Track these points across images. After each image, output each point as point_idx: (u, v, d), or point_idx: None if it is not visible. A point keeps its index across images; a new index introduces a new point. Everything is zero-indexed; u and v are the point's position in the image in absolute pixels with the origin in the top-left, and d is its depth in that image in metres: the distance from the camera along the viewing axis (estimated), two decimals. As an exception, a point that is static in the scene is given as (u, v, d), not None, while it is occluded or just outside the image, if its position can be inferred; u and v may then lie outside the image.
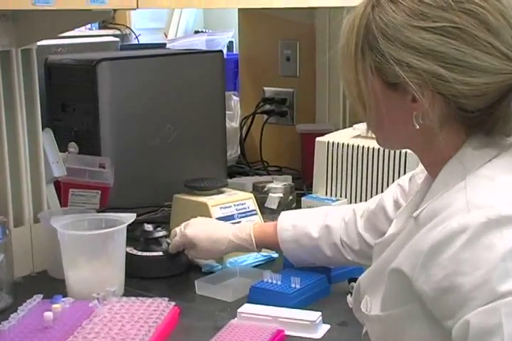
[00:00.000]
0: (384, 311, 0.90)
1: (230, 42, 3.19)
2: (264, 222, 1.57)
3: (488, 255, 0.77)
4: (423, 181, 0.99)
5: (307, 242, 1.32)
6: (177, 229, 1.41)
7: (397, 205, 1.22)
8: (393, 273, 0.87)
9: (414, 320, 0.85)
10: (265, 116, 2.30)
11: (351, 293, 1.03)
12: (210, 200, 1.53)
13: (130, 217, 1.36)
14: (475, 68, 0.84)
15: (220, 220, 1.49)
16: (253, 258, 1.50)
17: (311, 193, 1.77)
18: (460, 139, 0.89)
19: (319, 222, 1.33)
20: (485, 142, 0.88)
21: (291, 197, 1.79)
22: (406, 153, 1.59)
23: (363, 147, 1.66)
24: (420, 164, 1.09)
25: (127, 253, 1.40)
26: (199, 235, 1.38)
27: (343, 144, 1.71)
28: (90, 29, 3.30)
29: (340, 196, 1.71)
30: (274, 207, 1.76)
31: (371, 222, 1.27)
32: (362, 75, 0.89)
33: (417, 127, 0.88)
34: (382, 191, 1.65)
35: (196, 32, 3.62)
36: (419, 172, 1.11)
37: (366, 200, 1.66)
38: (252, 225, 1.40)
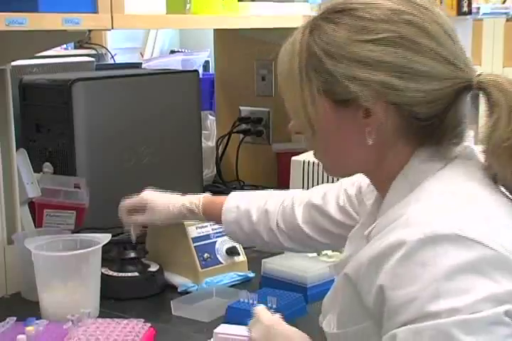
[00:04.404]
0: (340, 329, 0.91)
1: (206, 61, 3.20)
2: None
3: (422, 273, 0.78)
4: (374, 201, 1.00)
5: (246, 225, 1.31)
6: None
7: (341, 209, 1.22)
8: (343, 278, 0.89)
9: (370, 338, 0.86)
10: (241, 136, 2.31)
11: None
12: (186, 220, 1.53)
13: (105, 238, 1.35)
14: (424, 74, 0.86)
15: (196, 240, 1.49)
16: (229, 277, 1.50)
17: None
18: (408, 153, 0.90)
19: (260, 205, 1.31)
20: (431, 154, 0.89)
21: (267, 217, 1.79)
22: (381, 171, 1.60)
23: (339, 166, 1.67)
24: (367, 185, 1.10)
25: (102, 274, 1.39)
26: (153, 194, 1.42)
27: (318, 163, 1.71)
28: (66, 49, 3.30)
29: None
30: (251, 226, 1.75)
31: (311, 215, 1.26)
32: (309, 99, 0.89)
33: (370, 143, 0.88)
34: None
35: (172, 52, 3.63)
36: (367, 193, 1.10)
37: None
38: (203, 196, 1.39)
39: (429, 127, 0.88)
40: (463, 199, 0.85)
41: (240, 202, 1.33)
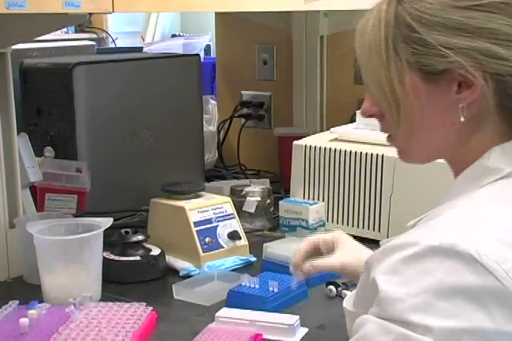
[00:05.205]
0: (355, 309, 0.90)
1: (207, 45, 3.19)
2: (242, 225, 1.57)
3: (419, 279, 0.73)
4: None
5: None
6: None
7: None
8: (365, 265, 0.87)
9: None
10: (243, 120, 2.30)
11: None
12: (188, 204, 1.53)
13: (107, 222, 1.35)
14: None
15: (198, 225, 1.49)
16: (231, 262, 1.50)
17: (288, 197, 1.77)
18: (490, 143, 0.84)
19: None
20: (508, 155, 0.83)
21: (268, 201, 1.79)
22: (383, 156, 1.60)
23: (340, 150, 1.67)
24: None
25: (104, 258, 1.39)
26: (344, 235, 1.16)
27: (320, 147, 1.71)
28: (66, 33, 3.29)
29: (318, 199, 1.71)
30: (252, 210, 1.76)
31: None
32: (396, 72, 0.84)
33: (462, 120, 0.82)
34: (358, 194, 1.66)
35: (173, 36, 3.63)
36: None
37: (343, 203, 1.68)
38: None
39: None
40: (501, 219, 0.77)
41: None
